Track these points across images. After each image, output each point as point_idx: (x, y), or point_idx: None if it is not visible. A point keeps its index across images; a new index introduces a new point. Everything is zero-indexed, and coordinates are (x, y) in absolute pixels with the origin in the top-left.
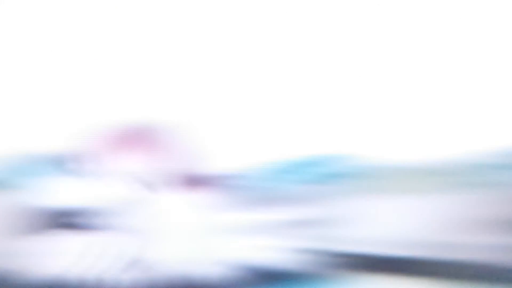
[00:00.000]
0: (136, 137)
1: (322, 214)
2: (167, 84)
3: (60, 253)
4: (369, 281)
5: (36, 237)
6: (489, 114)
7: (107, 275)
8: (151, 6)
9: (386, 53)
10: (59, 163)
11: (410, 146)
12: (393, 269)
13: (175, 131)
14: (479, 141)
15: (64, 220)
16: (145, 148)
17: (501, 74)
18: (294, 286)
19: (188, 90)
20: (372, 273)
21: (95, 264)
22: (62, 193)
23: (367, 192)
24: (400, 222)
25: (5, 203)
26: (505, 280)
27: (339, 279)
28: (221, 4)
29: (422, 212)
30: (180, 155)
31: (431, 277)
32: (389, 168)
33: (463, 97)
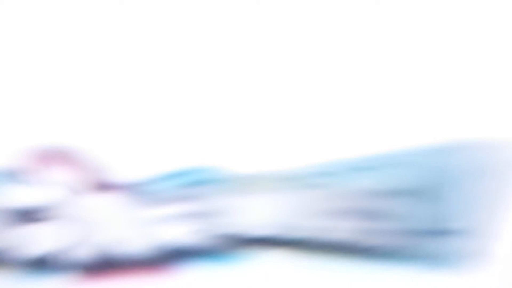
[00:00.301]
0: (57, 155)
1: (207, 208)
2: (80, 109)
3: (28, 241)
4: (256, 255)
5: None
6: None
7: (63, 254)
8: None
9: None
10: (7, 175)
11: (265, 157)
12: (272, 245)
13: (86, 150)
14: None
15: (22, 216)
16: (65, 163)
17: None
18: (202, 260)
19: (94, 114)
20: (257, 249)
21: (53, 246)
22: (13, 197)
23: (234, 193)
24: (267, 212)
25: None
26: (363, 256)
27: (235, 254)
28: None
29: (282, 205)
30: (91, 168)
31: (303, 250)
32: (248, 175)
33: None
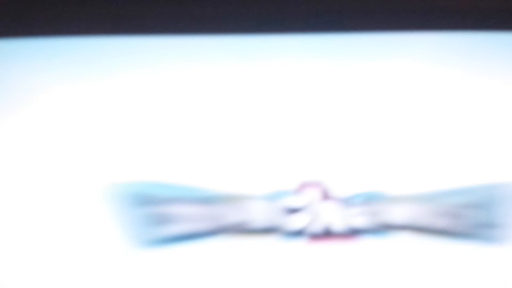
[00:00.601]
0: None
1: (375, 210)
2: None
3: None
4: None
5: None
6: None
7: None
8: None
9: None
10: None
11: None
12: (405, 230)
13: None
14: None
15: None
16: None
17: None
18: (370, 235)
19: None
20: (398, 231)
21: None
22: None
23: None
24: (406, 214)
25: None
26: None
27: (386, 233)
28: None
29: (414, 211)
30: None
31: (422, 234)
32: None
33: None
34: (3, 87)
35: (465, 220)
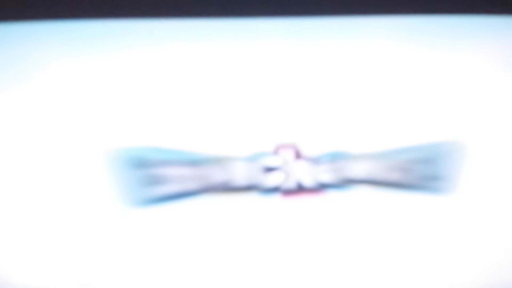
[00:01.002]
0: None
1: (337, 167)
2: None
3: None
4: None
5: None
6: None
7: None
8: None
9: None
10: None
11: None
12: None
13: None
14: None
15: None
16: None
17: None
18: (334, 190)
19: None
20: (358, 185)
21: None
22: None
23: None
24: (365, 169)
25: None
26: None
27: (347, 187)
28: None
29: (372, 166)
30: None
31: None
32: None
33: None
34: (5, 63)
35: (415, 174)
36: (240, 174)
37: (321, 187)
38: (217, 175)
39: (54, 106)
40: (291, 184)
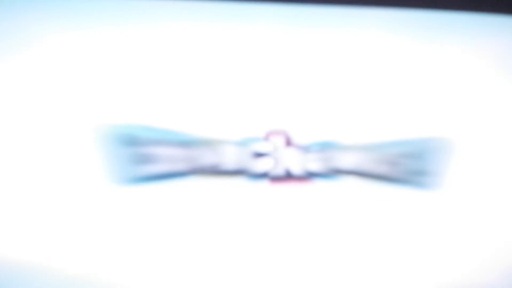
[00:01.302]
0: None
1: (325, 157)
2: None
3: None
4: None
5: None
6: None
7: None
8: None
9: None
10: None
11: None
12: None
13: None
14: None
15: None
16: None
17: None
18: (324, 179)
19: None
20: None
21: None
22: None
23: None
24: (354, 160)
25: None
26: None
27: (335, 177)
28: None
29: (360, 157)
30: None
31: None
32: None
33: None
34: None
35: (402, 168)
36: (229, 157)
37: (309, 176)
38: (207, 158)
39: (47, 79)
40: (279, 170)
